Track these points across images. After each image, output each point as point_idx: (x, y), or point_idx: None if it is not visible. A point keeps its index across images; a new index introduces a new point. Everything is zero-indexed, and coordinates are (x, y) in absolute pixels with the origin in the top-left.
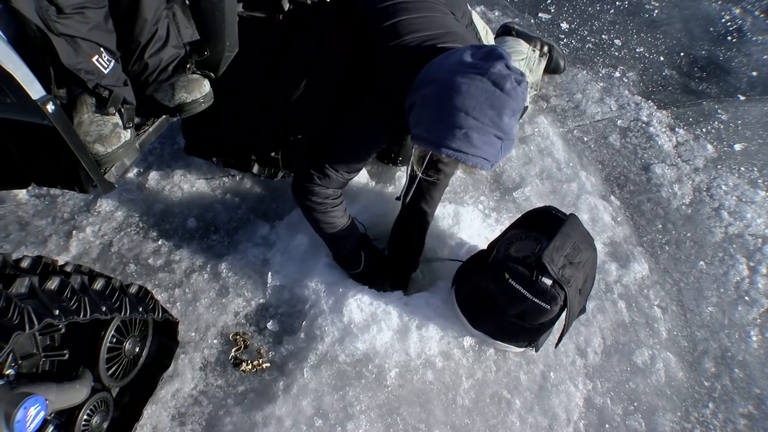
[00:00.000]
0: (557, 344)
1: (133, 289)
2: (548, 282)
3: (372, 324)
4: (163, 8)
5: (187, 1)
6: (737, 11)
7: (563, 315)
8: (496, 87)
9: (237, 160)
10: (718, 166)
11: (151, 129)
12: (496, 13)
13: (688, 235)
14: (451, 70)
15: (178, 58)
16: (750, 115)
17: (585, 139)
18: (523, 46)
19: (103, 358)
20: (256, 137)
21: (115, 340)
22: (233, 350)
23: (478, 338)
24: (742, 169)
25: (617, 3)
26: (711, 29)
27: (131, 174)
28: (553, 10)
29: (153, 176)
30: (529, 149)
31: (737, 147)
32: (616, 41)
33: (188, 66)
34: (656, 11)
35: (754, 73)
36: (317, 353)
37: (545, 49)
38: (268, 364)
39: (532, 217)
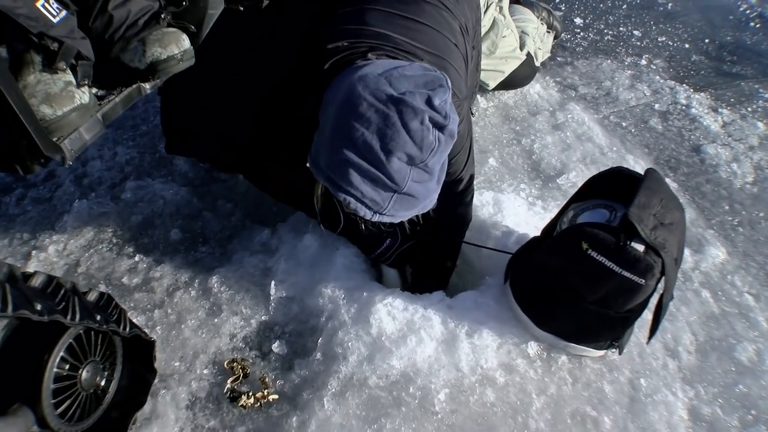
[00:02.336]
0: (651, 336)
1: (92, 296)
2: (640, 248)
3: (409, 334)
4: None
5: None
6: (753, 0)
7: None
8: (400, 120)
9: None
10: None
11: (117, 99)
12: None
13: (761, 215)
14: (367, 82)
15: (151, 11)
16: None
17: (624, 124)
18: (533, 16)
19: (49, 389)
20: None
21: (68, 366)
22: (229, 381)
23: (545, 342)
24: None
25: None
26: (731, 17)
27: (103, 185)
28: (564, 8)
29: (130, 186)
30: (565, 135)
31: None
32: (635, 32)
33: (162, 17)
34: (670, 4)
35: None
36: (340, 377)
37: (544, 14)
38: (275, 396)
39: (597, 183)
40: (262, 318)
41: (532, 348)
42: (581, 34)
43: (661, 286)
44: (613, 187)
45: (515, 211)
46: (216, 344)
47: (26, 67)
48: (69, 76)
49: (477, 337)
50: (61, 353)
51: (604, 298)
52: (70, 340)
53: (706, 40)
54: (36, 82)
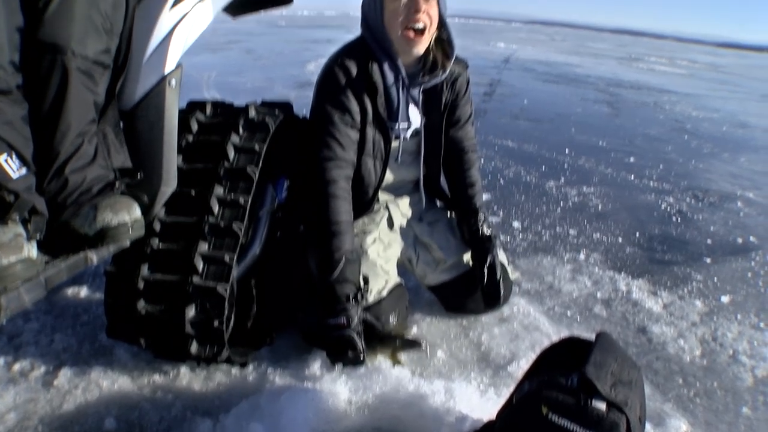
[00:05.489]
0: None
1: None
2: (602, 406)
3: None
4: (91, 122)
5: (121, 124)
6: (671, 200)
7: None
8: None
9: (170, 340)
10: (714, 318)
11: (63, 265)
12: None
13: (715, 384)
14: None
15: (106, 180)
16: (723, 273)
17: (569, 313)
18: None
19: None
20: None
21: None
22: None
23: None
24: (740, 316)
25: (561, 203)
26: (655, 214)
27: (36, 372)
28: (502, 213)
29: (65, 373)
30: (512, 326)
31: (725, 299)
32: (571, 231)
33: (117, 186)
34: (600, 206)
35: (709, 241)
36: None
37: None
38: None
39: (550, 355)
40: None
41: None
42: (520, 236)
43: None
44: (566, 357)
45: (468, 397)
46: None
47: None
48: (20, 229)
49: None
50: None
51: None
52: None
53: (637, 234)
54: None
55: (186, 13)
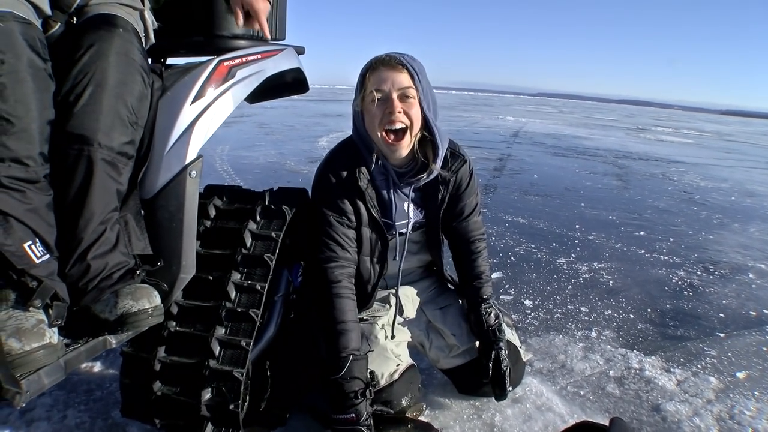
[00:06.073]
0: None
1: None
2: None
3: None
4: (114, 210)
5: (142, 212)
6: (682, 273)
7: None
8: None
9: (186, 422)
10: (730, 395)
11: (83, 348)
12: None
13: None
14: None
15: (126, 267)
16: (737, 347)
17: (581, 392)
18: None
19: None
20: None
21: None
22: None
23: None
24: (757, 393)
25: (573, 280)
26: (666, 288)
27: None
28: (513, 292)
29: None
30: (525, 407)
31: (740, 375)
32: (583, 308)
33: (138, 273)
34: (611, 281)
35: (722, 315)
36: None
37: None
38: None
39: None
40: None
41: None
42: (532, 314)
43: None
44: None
45: None
46: None
47: None
48: (42, 315)
49: None
50: None
51: None
52: None
53: (649, 310)
54: (7, 318)
55: (206, 107)
